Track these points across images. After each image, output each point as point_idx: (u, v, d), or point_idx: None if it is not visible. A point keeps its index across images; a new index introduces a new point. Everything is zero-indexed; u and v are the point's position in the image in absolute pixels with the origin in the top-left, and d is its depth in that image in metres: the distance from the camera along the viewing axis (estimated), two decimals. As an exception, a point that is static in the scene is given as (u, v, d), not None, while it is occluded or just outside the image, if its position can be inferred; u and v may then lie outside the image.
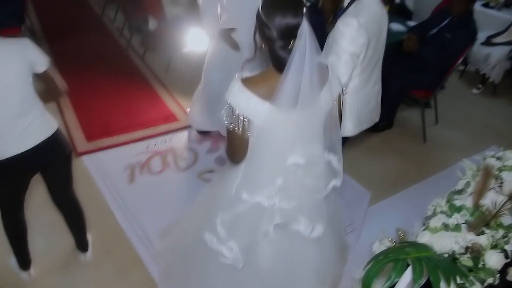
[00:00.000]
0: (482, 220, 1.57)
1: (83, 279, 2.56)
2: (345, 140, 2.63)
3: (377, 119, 2.60)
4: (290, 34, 1.42)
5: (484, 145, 3.80)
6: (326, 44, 2.25)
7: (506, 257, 1.63)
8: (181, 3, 4.97)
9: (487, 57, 4.93)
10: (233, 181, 1.73)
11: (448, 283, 1.39)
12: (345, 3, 2.25)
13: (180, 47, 4.62)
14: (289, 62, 1.43)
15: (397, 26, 4.27)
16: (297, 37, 1.40)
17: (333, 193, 1.86)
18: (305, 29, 1.40)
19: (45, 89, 2.14)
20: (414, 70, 3.90)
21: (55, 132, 2.16)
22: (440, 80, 3.85)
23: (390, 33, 4.08)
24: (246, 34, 1.93)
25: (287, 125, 1.56)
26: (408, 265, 1.44)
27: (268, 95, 1.49)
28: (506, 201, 1.56)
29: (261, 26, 1.47)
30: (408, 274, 1.46)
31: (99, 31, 6.03)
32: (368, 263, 1.44)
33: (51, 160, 2.20)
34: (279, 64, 1.48)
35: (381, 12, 2.28)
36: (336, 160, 1.77)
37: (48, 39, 5.50)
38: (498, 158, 2.10)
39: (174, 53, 4.87)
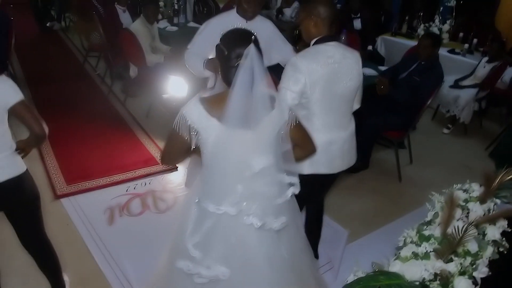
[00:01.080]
0: (449, 247, 1.64)
1: (60, 323, 2.52)
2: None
3: (351, 163, 2.65)
4: (239, 56, 1.65)
5: (458, 182, 3.90)
6: None
7: (475, 283, 1.69)
8: (161, 51, 5.15)
9: (456, 99, 5.16)
10: (193, 201, 1.84)
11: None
12: (311, 44, 2.39)
13: (160, 93, 4.75)
14: (235, 75, 1.63)
15: (369, 71, 4.46)
16: (243, 56, 1.62)
17: (292, 202, 1.99)
18: (251, 51, 1.61)
19: (28, 138, 2.17)
20: (387, 112, 4.07)
21: (21, 174, 2.16)
22: (412, 121, 4.01)
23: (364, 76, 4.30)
24: None
25: (241, 141, 1.72)
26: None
27: (221, 113, 1.67)
28: (469, 226, 1.63)
29: (220, 53, 1.73)
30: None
31: (81, 78, 6.16)
32: (340, 291, 1.49)
33: (13, 202, 2.19)
34: (229, 80, 1.67)
35: (338, 59, 2.29)
36: (287, 177, 1.90)
37: (30, 85, 5.59)
38: (465, 190, 2.20)
39: (154, 99, 4.99)
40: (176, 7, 6.05)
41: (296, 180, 1.92)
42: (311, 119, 2.35)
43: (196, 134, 1.72)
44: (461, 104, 5.13)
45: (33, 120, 2.09)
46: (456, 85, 5.27)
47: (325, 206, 3.45)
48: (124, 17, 5.71)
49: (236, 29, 1.85)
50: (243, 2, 2.92)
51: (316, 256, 3.00)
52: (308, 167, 2.43)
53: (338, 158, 2.51)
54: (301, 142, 1.97)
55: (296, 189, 1.92)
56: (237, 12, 2.99)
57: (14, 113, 2.05)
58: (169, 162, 2.02)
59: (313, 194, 2.77)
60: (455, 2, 6.00)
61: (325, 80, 2.28)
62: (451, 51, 5.75)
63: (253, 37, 1.68)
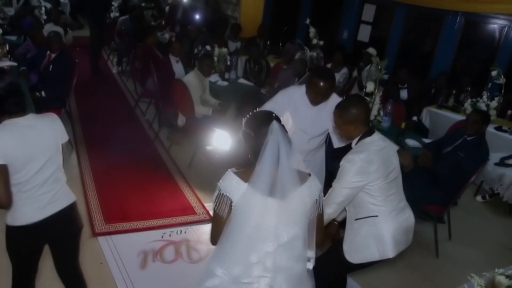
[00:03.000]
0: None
1: None
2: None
3: (411, 241, 2.75)
4: (265, 135, 1.75)
5: (500, 266, 3.75)
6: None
7: None
8: (210, 104, 5.34)
9: (501, 177, 5.04)
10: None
11: None
12: (353, 144, 2.50)
13: (204, 145, 4.89)
14: (262, 150, 1.73)
15: (412, 142, 4.47)
16: (268, 132, 1.74)
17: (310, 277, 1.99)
18: (275, 127, 1.74)
19: None
20: (428, 185, 4.02)
21: (74, 202, 2.36)
22: (453, 197, 3.93)
23: (406, 148, 4.31)
24: None
25: (266, 210, 1.75)
26: None
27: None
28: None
29: (247, 137, 1.84)
30: None
31: (130, 121, 6.43)
32: None
33: (66, 230, 2.35)
34: (257, 155, 1.75)
35: (384, 145, 2.49)
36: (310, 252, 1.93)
37: (82, 123, 5.90)
38: (508, 277, 2.13)
39: (197, 149, 5.13)
40: (228, 63, 6.32)
41: (313, 254, 1.95)
42: (379, 206, 2.47)
43: (231, 202, 1.78)
44: (506, 182, 4.99)
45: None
46: (502, 163, 5.17)
47: (359, 276, 3.49)
48: (177, 67, 6.02)
49: (257, 112, 1.93)
50: (312, 92, 3.06)
51: None
52: (393, 251, 2.55)
53: (409, 234, 2.69)
54: (317, 231, 1.99)
55: (311, 265, 1.95)
56: (306, 93, 3.12)
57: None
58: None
59: None
60: (504, 80, 5.97)
61: (383, 167, 2.44)
62: (498, 128, 5.67)
63: (274, 114, 1.82)
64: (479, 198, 5.33)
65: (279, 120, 1.81)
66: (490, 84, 6.30)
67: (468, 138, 4.03)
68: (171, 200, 4.31)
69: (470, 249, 4.26)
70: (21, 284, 2.38)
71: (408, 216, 2.66)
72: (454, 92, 6.39)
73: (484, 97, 6.01)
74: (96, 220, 3.80)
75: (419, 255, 4.04)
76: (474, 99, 6.08)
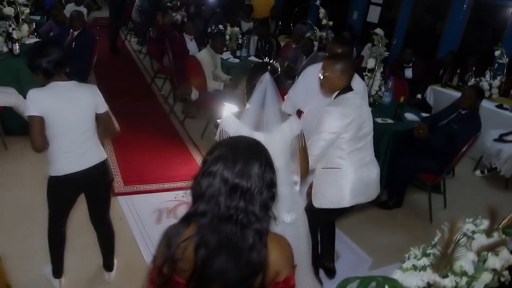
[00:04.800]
0: (441, 261, 1.89)
1: (105, 295, 2.93)
2: (342, 212, 3.07)
3: (374, 196, 2.99)
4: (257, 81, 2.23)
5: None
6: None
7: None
8: (221, 79, 5.65)
9: (499, 152, 5.26)
10: None
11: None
12: (333, 97, 2.75)
13: (215, 117, 5.22)
14: (252, 94, 2.21)
15: (411, 116, 4.72)
16: (259, 82, 2.19)
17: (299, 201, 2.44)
18: (266, 78, 2.17)
19: (104, 129, 2.71)
20: (423, 155, 4.28)
21: (105, 159, 2.71)
22: (446, 166, 4.19)
23: (404, 121, 4.57)
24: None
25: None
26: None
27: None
28: (458, 243, 1.88)
29: (249, 81, 2.31)
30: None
31: (147, 96, 6.80)
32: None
33: (99, 182, 2.70)
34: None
35: (360, 103, 2.76)
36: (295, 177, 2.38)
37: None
38: (475, 224, 2.43)
39: (209, 122, 5.46)
40: (240, 41, 6.61)
41: (299, 179, 2.36)
42: (344, 158, 2.73)
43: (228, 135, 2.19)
44: (503, 157, 5.22)
45: (114, 122, 2.76)
46: (500, 139, 5.39)
47: (352, 233, 3.84)
48: (191, 45, 6.33)
49: (260, 62, 2.39)
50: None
51: (334, 271, 3.27)
52: (350, 200, 2.81)
53: (371, 190, 2.93)
54: (301, 162, 2.38)
55: (298, 187, 2.38)
56: None
57: (102, 117, 2.68)
58: None
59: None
60: (507, 59, 6.15)
61: (356, 122, 2.70)
62: (499, 106, 5.88)
63: (269, 67, 2.22)
64: (477, 172, 5.59)
65: (274, 73, 2.21)
66: (496, 64, 6.48)
67: (463, 112, 4.27)
68: (184, 166, 4.67)
69: (463, 217, 4.50)
70: (54, 228, 2.75)
71: (371, 172, 2.88)
72: (458, 71, 6.58)
73: (487, 76, 6.21)
74: (115, 182, 4.17)
75: (414, 221, 4.33)
76: (477, 78, 6.28)
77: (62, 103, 2.44)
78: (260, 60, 2.50)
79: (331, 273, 3.33)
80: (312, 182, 2.92)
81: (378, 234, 4.00)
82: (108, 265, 3.04)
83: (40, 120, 2.38)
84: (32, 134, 2.40)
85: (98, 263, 3.07)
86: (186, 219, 1.40)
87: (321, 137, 2.66)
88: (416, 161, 4.27)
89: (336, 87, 2.72)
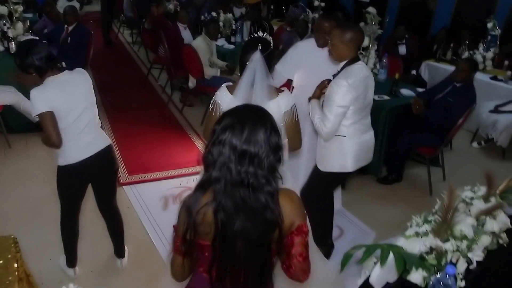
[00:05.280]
0: (442, 225, 1.98)
1: (119, 281, 3.03)
2: (345, 177, 3.16)
3: (371, 159, 3.12)
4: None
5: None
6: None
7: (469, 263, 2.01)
8: (217, 65, 5.70)
9: (495, 123, 5.35)
10: None
11: (407, 267, 1.80)
12: (339, 68, 2.81)
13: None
14: (244, 70, 2.35)
15: (407, 92, 4.79)
16: (250, 60, 2.31)
17: None
18: (256, 57, 2.30)
19: None
20: (420, 129, 4.36)
21: (110, 145, 2.78)
22: (443, 139, 4.27)
23: (400, 97, 4.64)
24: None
25: None
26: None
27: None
28: (456, 208, 1.96)
29: (242, 59, 2.41)
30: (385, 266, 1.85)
31: (145, 88, 6.85)
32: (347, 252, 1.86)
33: (106, 167, 2.77)
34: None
35: (367, 74, 2.83)
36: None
37: (100, 92, 6.25)
38: (473, 191, 2.51)
39: (208, 108, 5.51)
40: (233, 27, 6.64)
41: (287, 154, 2.42)
42: (349, 127, 2.81)
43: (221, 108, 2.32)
44: (499, 128, 5.30)
45: None
46: (496, 110, 5.46)
47: (354, 209, 3.92)
48: (185, 34, 6.36)
49: (254, 37, 2.45)
50: (315, 32, 3.37)
51: (332, 244, 3.36)
52: (353, 165, 2.93)
53: (369, 153, 3.05)
54: (292, 137, 2.46)
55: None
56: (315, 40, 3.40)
57: None
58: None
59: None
60: (499, 31, 6.20)
61: (363, 94, 2.78)
62: (494, 78, 5.94)
63: (260, 44, 2.31)
64: (475, 144, 5.69)
65: (265, 51, 2.32)
66: (489, 37, 6.53)
67: (457, 85, 4.34)
68: (186, 153, 4.75)
69: (463, 187, 4.61)
70: (67, 219, 2.82)
71: (370, 137, 3.03)
72: (452, 45, 6.63)
73: (481, 48, 6.27)
74: (120, 173, 4.24)
75: (414, 194, 4.42)
76: (471, 51, 6.34)
77: (66, 94, 2.50)
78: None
79: (328, 254, 3.40)
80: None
81: (380, 209, 4.09)
82: (119, 252, 3.12)
83: (52, 115, 2.43)
84: (46, 130, 2.44)
85: (109, 251, 3.16)
86: (202, 186, 1.51)
87: (333, 111, 2.70)
88: (414, 136, 4.35)
89: (343, 56, 2.75)
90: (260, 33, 2.44)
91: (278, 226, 1.48)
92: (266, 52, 2.32)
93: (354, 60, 2.77)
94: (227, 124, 1.45)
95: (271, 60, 2.38)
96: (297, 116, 2.46)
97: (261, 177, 1.44)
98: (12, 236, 2.08)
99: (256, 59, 2.28)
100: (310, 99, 2.92)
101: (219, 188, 1.45)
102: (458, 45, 6.71)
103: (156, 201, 3.87)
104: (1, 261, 1.94)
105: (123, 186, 4.05)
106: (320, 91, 2.88)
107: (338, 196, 3.87)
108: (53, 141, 2.46)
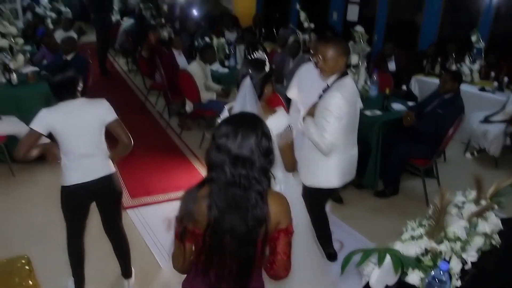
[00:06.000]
0: (434, 227, 2.09)
1: (127, 301, 3.10)
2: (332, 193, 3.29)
3: (354, 175, 3.23)
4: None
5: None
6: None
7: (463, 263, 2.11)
8: (213, 89, 5.85)
9: (485, 133, 5.49)
10: None
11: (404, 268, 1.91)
12: (329, 82, 2.91)
13: (212, 127, 5.41)
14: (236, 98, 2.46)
15: (398, 106, 4.94)
16: (241, 84, 2.42)
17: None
18: (246, 83, 2.39)
19: (118, 145, 2.89)
20: (413, 141, 4.49)
21: (113, 173, 2.88)
22: (436, 150, 4.40)
23: (392, 111, 4.79)
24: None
25: None
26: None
27: None
28: (446, 208, 2.08)
29: (238, 82, 2.50)
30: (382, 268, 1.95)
31: (142, 114, 7.00)
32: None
33: (107, 193, 2.87)
34: None
35: (354, 89, 2.94)
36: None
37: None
38: (465, 196, 2.63)
39: (206, 131, 5.65)
40: (227, 51, 6.83)
41: (282, 175, 2.51)
42: (338, 139, 2.90)
43: None
44: (490, 138, 5.44)
45: (124, 133, 2.83)
46: (486, 120, 5.61)
47: (356, 223, 4.10)
48: (180, 59, 6.54)
49: (244, 60, 2.62)
50: (314, 52, 3.41)
51: (335, 254, 3.45)
52: (339, 180, 3.02)
53: (354, 169, 3.14)
54: (284, 158, 2.50)
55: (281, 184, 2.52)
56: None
57: (110, 128, 2.76)
58: None
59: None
60: (483, 44, 6.41)
61: (353, 107, 2.89)
62: (482, 89, 6.11)
63: (251, 67, 2.42)
64: (468, 155, 5.82)
65: (259, 67, 2.43)
66: (474, 50, 6.74)
67: (445, 97, 4.50)
68: (187, 176, 4.85)
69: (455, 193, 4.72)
70: (72, 239, 2.92)
71: (355, 152, 3.12)
72: (439, 59, 6.83)
73: (467, 61, 6.46)
74: (123, 197, 4.33)
75: (411, 205, 4.52)
76: (458, 64, 6.53)
77: (69, 120, 2.63)
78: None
79: (333, 257, 3.51)
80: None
81: (379, 222, 4.19)
82: (126, 273, 3.20)
83: (37, 137, 2.58)
84: (21, 143, 2.58)
85: (116, 272, 3.23)
86: (200, 184, 1.70)
87: (330, 122, 2.76)
88: (407, 148, 4.48)
89: (335, 70, 2.85)
90: (257, 54, 2.51)
91: (264, 223, 1.64)
92: (262, 72, 2.41)
93: (343, 74, 2.89)
94: (223, 131, 1.62)
95: (268, 79, 2.45)
96: (292, 137, 2.49)
97: (252, 178, 1.61)
98: (26, 256, 2.17)
99: (246, 85, 2.38)
100: (304, 117, 3.00)
101: (214, 187, 1.62)
102: (446, 59, 6.90)
103: (160, 223, 3.96)
104: (17, 279, 2.04)
105: (127, 210, 4.14)
106: (314, 109, 2.95)
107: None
108: (17, 154, 2.58)
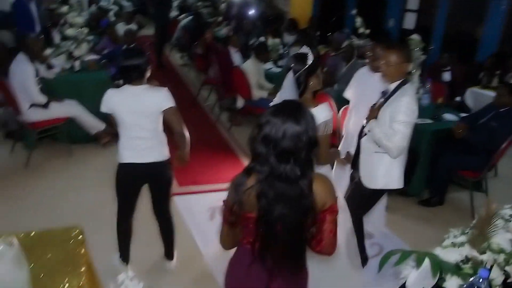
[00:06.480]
0: (477, 236, 2.08)
1: (166, 281, 3.27)
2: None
3: None
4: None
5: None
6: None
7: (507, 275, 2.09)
8: (265, 87, 5.96)
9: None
10: None
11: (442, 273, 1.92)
12: (391, 87, 2.96)
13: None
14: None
15: (450, 116, 4.86)
16: (286, 77, 2.57)
17: None
18: (288, 77, 2.55)
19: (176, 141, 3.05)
20: (463, 152, 4.41)
21: (166, 159, 3.03)
22: (487, 163, 4.30)
23: (443, 121, 4.71)
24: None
25: None
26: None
27: None
28: (492, 221, 2.06)
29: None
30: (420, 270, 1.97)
31: (194, 107, 7.23)
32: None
33: (159, 177, 3.05)
34: None
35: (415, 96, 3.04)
36: None
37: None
38: (512, 209, 2.59)
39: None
40: (281, 51, 6.92)
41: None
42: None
43: None
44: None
45: (178, 122, 2.95)
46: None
47: (398, 229, 4.09)
48: (235, 56, 6.69)
49: (292, 55, 2.73)
50: (368, 57, 3.61)
51: (367, 259, 3.46)
52: (402, 180, 3.08)
53: None
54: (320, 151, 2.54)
55: None
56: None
57: (166, 115, 2.89)
58: None
59: None
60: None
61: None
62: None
63: (295, 61, 2.53)
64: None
65: (297, 70, 2.54)
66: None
67: (501, 110, 4.38)
68: (234, 169, 4.96)
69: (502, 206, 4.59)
70: (122, 217, 3.10)
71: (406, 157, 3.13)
72: (498, 72, 6.61)
73: (526, 75, 6.23)
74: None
75: (456, 218, 4.43)
76: (518, 78, 6.31)
77: (129, 102, 2.82)
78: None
79: (365, 261, 3.49)
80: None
81: (421, 229, 4.15)
82: (169, 255, 3.37)
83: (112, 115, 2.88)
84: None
85: (160, 253, 3.40)
86: (248, 171, 1.75)
87: (404, 128, 2.85)
88: (457, 159, 4.40)
89: (397, 75, 2.92)
90: (302, 49, 2.60)
91: (312, 210, 1.70)
92: (303, 65, 2.51)
93: (406, 81, 2.95)
94: (268, 120, 1.66)
95: (312, 72, 2.54)
96: (329, 130, 2.58)
97: (298, 170, 1.66)
98: (79, 227, 2.35)
99: (288, 80, 2.52)
100: (367, 119, 3.05)
101: (261, 178, 1.68)
102: (505, 72, 6.68)
103: (204, 212, 4.11)
104: (71, 246, 2.21)
105: (173, 197, 4.30)
106: (375, 112, 3.00)
107: (382, 216, 3.98)
108: None
